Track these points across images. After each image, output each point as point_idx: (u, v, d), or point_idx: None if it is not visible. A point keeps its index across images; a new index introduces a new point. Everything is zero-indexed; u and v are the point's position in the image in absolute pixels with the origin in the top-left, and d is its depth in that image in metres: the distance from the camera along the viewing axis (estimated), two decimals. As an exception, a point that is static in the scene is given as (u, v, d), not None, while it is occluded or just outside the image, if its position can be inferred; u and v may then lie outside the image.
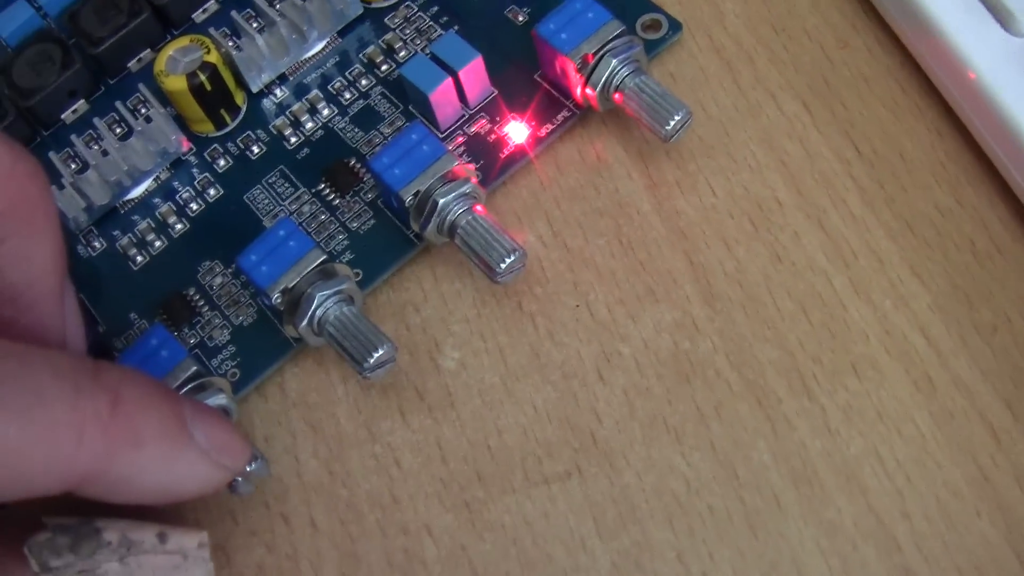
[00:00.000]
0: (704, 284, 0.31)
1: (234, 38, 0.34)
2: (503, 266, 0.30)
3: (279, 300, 0.30)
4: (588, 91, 0.32)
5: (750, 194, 0.32)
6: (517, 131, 0.33)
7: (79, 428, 0.23)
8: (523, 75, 0.34)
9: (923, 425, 0.29)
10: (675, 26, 0.34)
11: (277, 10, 0.34)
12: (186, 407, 0.26)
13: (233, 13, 0.34)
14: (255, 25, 0.35)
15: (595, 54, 0.31)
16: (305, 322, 0.30)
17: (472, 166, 0.32)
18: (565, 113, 0.33)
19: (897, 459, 0.29)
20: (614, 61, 0.31)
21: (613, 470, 0.30)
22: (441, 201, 0.30)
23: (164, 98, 0.34)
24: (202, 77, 0.33)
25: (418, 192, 0.31)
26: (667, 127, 0.31)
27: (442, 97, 0.33)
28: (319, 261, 0.30)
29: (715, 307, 0.31)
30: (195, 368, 0.29)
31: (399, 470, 0.30)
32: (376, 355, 0.29)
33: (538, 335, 0.31)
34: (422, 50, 0.34)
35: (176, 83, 0.33)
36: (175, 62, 0.33)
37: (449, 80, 0.32)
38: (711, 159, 0.33)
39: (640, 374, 0.31)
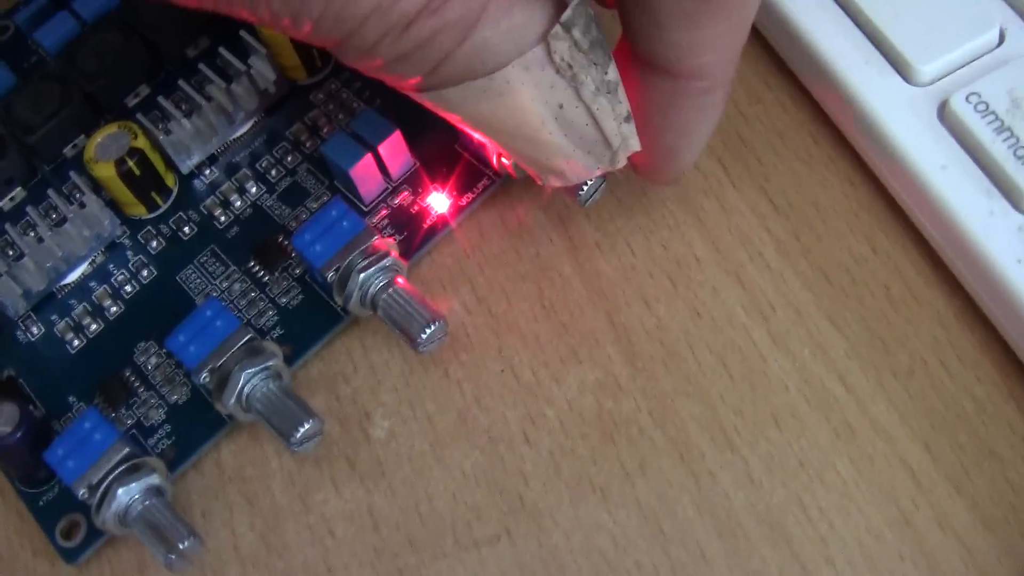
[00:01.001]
0: (626, 343, 0.32)
1: (164, 122, 0.35)
2: (424, 336, 0.30)
3: (207, 379, 0.31)
4: (504, 160, 0.32)
5: (668, 252, 0.33)
6: (439, 201, 0.34)
7: None
8: (444, 145, 0.35)
9: (844, 471, 0.30)
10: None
11: (204, 94, 0.35)
12: None
13: (160, 99, 0.35)
14: (184, 108, 0.35)
15: None
16: (233, 400, 0.30)
17: (392, 239, 0.32)
18: (485, 181, 0.34)
19: (820, 506, 0.29)
20: None
21: (541, 531, 0.30)
22: (361, 276, 0.31)
23: (97, 184, 0.34)
24: (130, 163, 0.33)
25: (339, 267, 0.31)
26: (581, 192, 0.31)
27: (363, 172, 0.33)
28: (245, 339, 0.31)
29: (637, 365, 0.32)
30: (127, 450, 0.30)
31: (333, 540, 0.31)
32: (302, 430, 0.30)
33: (465, 401, 0.32)
34: (343, 126, 0.35)
35: (105, 170, 0.33)
36: (104, 149, 0.34)
37: (369, 156, 0.33)
38: (629, 219, 0.34)
39: (565, 435, 0.31)
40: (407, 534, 0.31)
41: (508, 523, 0.30)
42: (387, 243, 0.31)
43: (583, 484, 0.30)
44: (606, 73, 0.26)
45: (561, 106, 0.26)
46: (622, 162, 0.29)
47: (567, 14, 0.25)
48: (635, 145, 0.28)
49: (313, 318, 0.33)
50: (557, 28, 0.25)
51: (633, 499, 0.30)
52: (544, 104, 0.26)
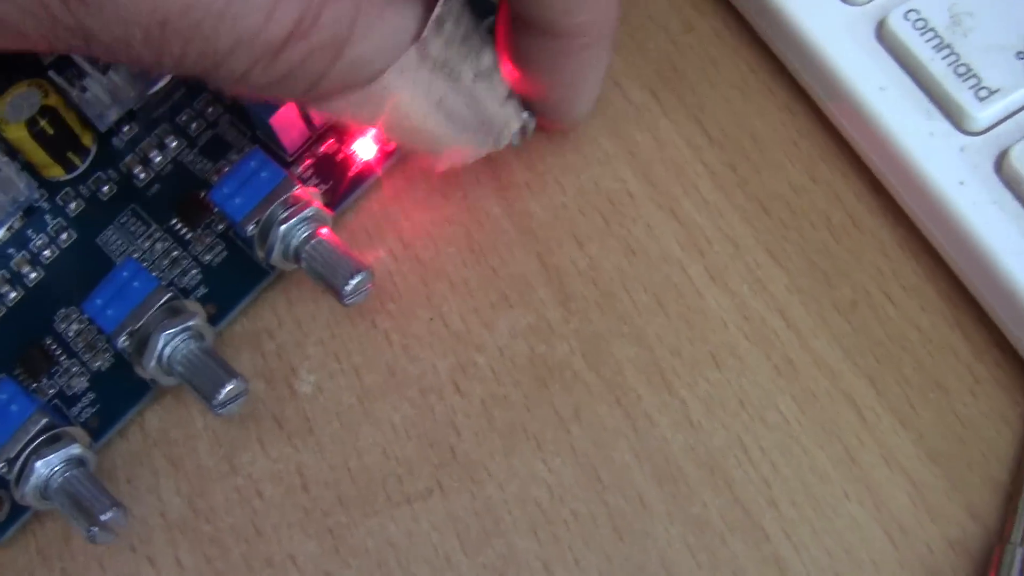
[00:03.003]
0: (557, 285, 0.31)
1: (79, 79, 0.34)
2: (348, 288, 0.29)
3: (126, 343, 0.30)
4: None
5: (600, 189, 0.32)
6: (365, 148, 0.32)
7: None
8: (371, 89, 0.33)
9: (786, 410, 0.29)
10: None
11: (121, 47, 0.34)
12: None
13: (73, 55, 0.34)
14: (99, 63, 0.34)
15: None
16: (153, 363, 0.29)
17: (315, 189, 0.31)
18: (413, 125, 0.32)
19: (761, 447, 0.28)
20: None
21: (474, 483, 0.29)
22: (282, 228, 0.30)
23: (10, 147, 0.33)
24: (42, 122, 0.32)
25: (259, 220, 0.30)
26: (512, 136, 0.30)
27: (284, 120, 0.32)
28: (164, 300, 0.30)
29: (570, 308, 0.31)
30: (45, 420, 0.29)
31: (261, 501, 0.30)
32: (224, 390, 0.29)
33: (393, 352, 0.31)
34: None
35: (17, 131, 0.32)
36: (15, 109, 0.33)
37: (290, 103, 0.32)
38: (560, 156, 0.32)
39: (497, 383, 0.30)
40: (337, 492, 0.30)
41: (440, 476, 0.29)
42: (309, 193, 0.30)
43: (516, 433, 0.30)
44: (480, 59, 0.27)
45: (441, 99, 0.27)
46: (506, 140, 0.29)
47: (437, 11, 0.25)
48: (516, 123, 0.29)
49: (237, 275, 0.32)
50: (429, 27, 0.25)
51: (568, 446, 0.29)
52: (425, 99, 0.27)
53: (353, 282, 0.29)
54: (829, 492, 0.28)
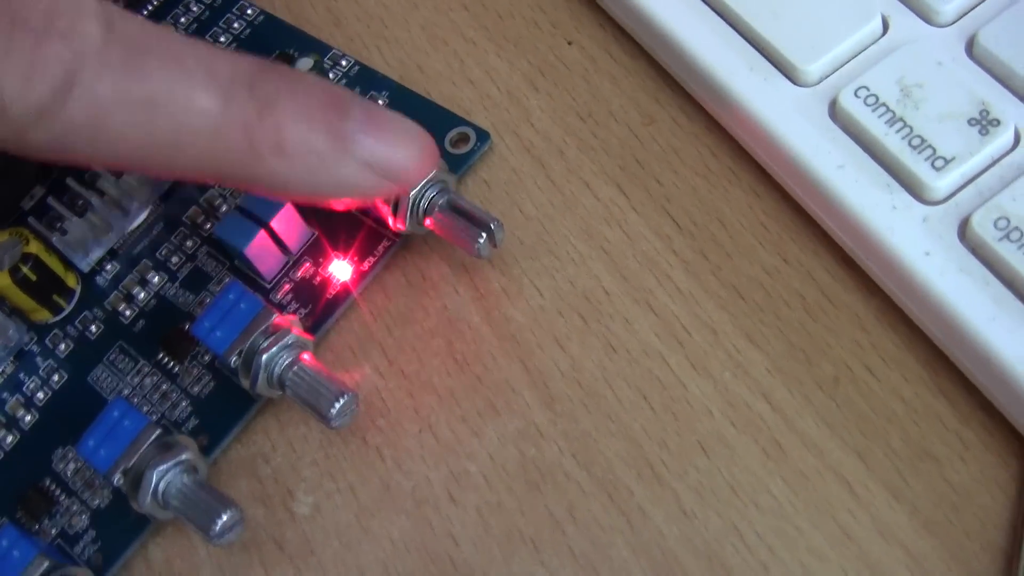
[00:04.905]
0: (542, 388, 0.31)
1: (59, 222, 0.34)
2: (333, 412, 0.30)
3: (121, 481, 0.30)
4: (398, 223, 0.31)
5: (576, 289, 0.32)
6: (340, 269, 0.33)
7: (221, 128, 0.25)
8: (344, 213, 0.34)
9: (778, 492, 0.29)
10: (483, 136, 0.34)
11: (96, 188, 0.34)
12: (352, 120, 0.27)
13: (50, 199, 0.34)
14: (78, 205, 0.35)
15: None
16: (148, 499, 0.29)
17: (294, 316, 0.32)
18: (385, 243, 0.33)
19: (757, 532, 0.28)
20: (417, 188, 0.31)
21: (476, 593, 0.29)
22: (264, 357, 0.30)
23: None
24: (24, 269, 0.33)
25: (241, 351, 0.30)
26: (477, 244, 0.31)
27: (259, 250, 0.32)
28: (154, 436, 0.30)
29: (556, 409, 0.31)
30: (47, 564, 0.29)
31: None
32: (220, 522, 0.29)
33: (386, 467, 0.31)
34: (236, 205, 0.34)
35: (1, 280, 0.33)
36: (-4, 258, 0.33)
37: (263, 232, 0.32)
38: (534, 260, 0.33)
39: (490, 490, 0.30)
40: None
41: None
42: (288, 320, 0.31)
43: (513, 538, 0.30)
44: None
45: None
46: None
47: None
48: None
49: (227, 404, 0.32)
50: None
51: (565, 547, 0.29)
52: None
53: (338, 406, 0.30)
54: (828, 572, 0.28)
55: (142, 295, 0.34)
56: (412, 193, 0.31)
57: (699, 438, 0.30)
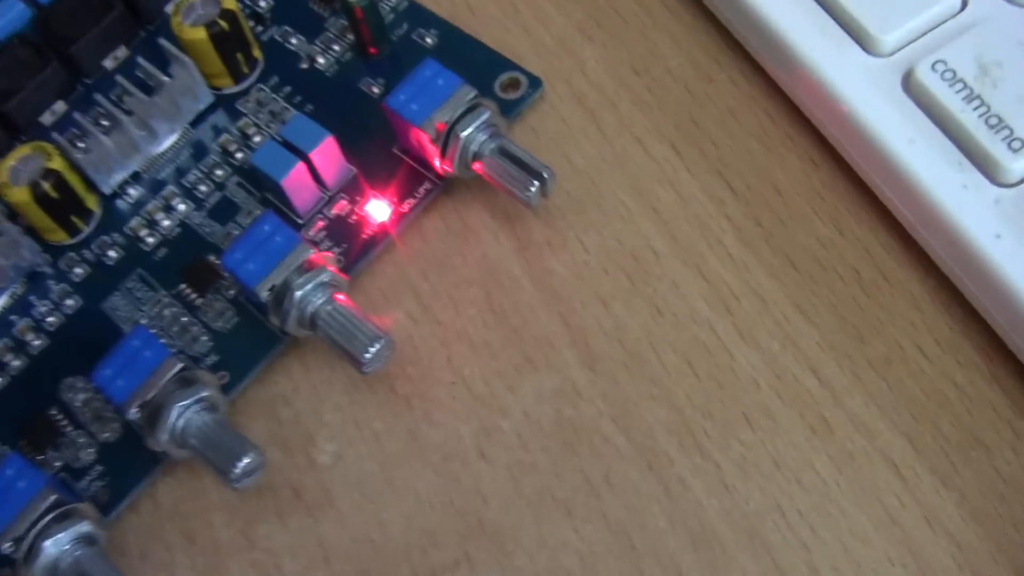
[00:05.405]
0: (583, 346, 0.30)
1: (82, 140, 0.33)
2: (368, 356, 0.28)
3: (138, 415, 0.28)
4: (445, 165, 0.30)
5: (624, 247, 0.31)
6: (378, 210, 0.32)
7: None
8: (383, 150, 0.33)
9: (823, 471, 0.28)
10: (535, 83, 0.33)
11: (124, 107, 0.33)
12: None
13: (76, 115, 0.33)
14: (103, 124, 0.33)
15: (447, 123, 0.30)
16: (166, 436, 0.28)
17: (330, 253, 0.31)
18: (427, 186, 0.32)
19: (799, 510, 0.28)
20: (469, 130, 0.30)
21: (503, 554, 0.28)
22: (298, 295, 0.29)
23: (13, 210, 0.32)
24: (46, 186, 0.31)
25: (274, 286, 0.29)
26: (528, 192, 0.30)
27: (296, 183, 0.31)
28: (176, 370, 0.29)
29: (596, 369, 0.30)
30: (55, 497, 0.28)
31: None
32: (241, 465, 0.28)
33: (414, 417, 0.30)
34: (274, 135, 0.33)
35: (20, 195, 0.31)
36: (16, 173, 0.32)
37: (301, 164, 0.31)
38: (581, 214, 0.32)
39: (524, 448, 0.29)
40: (360, 566, 0.29)
41: (468, 547, 0.28)
42: (325, 257, 0.30)
43: (545, 500, 0.28)
44: None
45: None
46: None
47: None
48: None
49: (250, 341, 0.31)
50: None
51: (600, 513, 0.28)
52: None
53: (373, 350, 0.29)
54: (871, 556, 0.27)
55: (166, 222, 0.33)
56: (464, 135, 0.30)
57: (744, 409, 0.29)
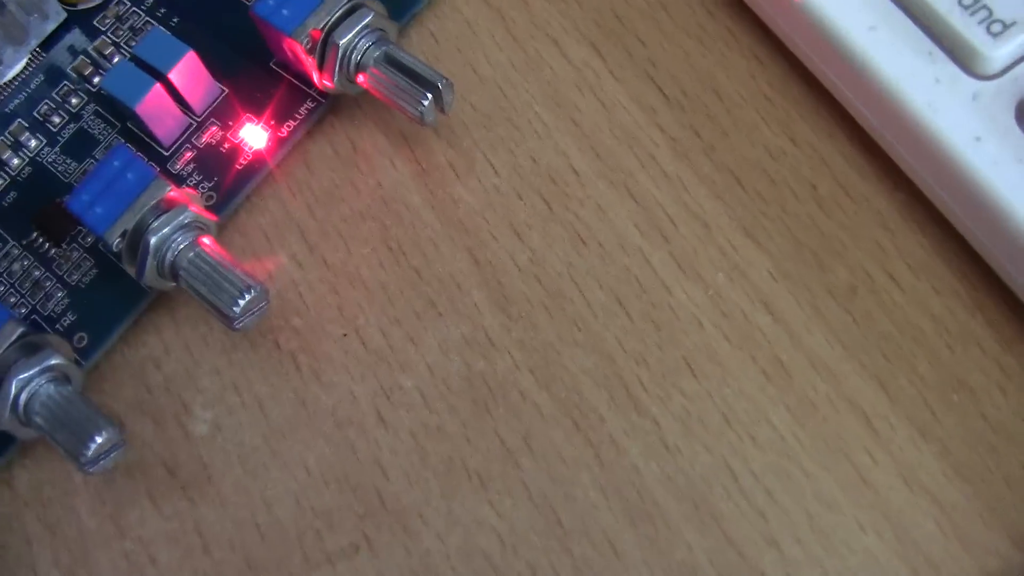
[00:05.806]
0: (495, 286, 0.27)
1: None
2: (236, 310, 0.25)
3: (-26, 390, 0.25)
4: (324, 79, 0.27)
5: (539, 167, 0.28)
6: (254, 135, 0.28)
7: None
8: (258, 66, 0.29)
9: (780, 424, 0.25)
10: (431, -21, 0.29)
11: (-41, 28, 0.29)
12: None
13: (-96, 40, 0.29)
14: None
15: (323, 29, 0.26)
16: (7, 414, 0.25)
17: (193, 190, 0.27)
18: (309, 105, 0.29)
19: (753, 472, 0.25)
20: (348, 36, 0.27)
21: (408, 535, 0.25)
22: (153, 240, 0.25)
23: None
24: None
25: (126, 232, 0.26)
26: (421, 107, 0.26)
27: (154, 107, 0.28)
28: (16, 335, 0.25)
29: (511, 313, 0.27)
30: None
31: (155, 569, 0.25)
32: (93, 445, 0.24)
33: (302, 378, 0.27)
34: (129, 55, 0.29)
35: None
36: None
37: (158, 86, 0.27)
38: (489, 130, 0.28)
39: (428, 410, 0.26)
40: (244, 554, 0.25)
41: (367, 529, 0.25)
42: (187, 195, 0.26)
43: (456, 470, 0.25)
44: None
45: None
46: None
47: None
48: None
49: (111, 297, 0.28)
50: None
51: (520, 484, 0.25)
52: None
53: (242, 303, 0.25)
54: (840, 524, 0.24)
55: (15, 161, 0.29)
56: (342, 43, 0.26)
57: (685, 354, 0.26)
